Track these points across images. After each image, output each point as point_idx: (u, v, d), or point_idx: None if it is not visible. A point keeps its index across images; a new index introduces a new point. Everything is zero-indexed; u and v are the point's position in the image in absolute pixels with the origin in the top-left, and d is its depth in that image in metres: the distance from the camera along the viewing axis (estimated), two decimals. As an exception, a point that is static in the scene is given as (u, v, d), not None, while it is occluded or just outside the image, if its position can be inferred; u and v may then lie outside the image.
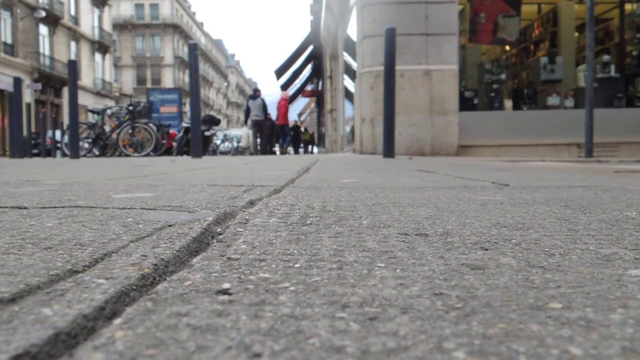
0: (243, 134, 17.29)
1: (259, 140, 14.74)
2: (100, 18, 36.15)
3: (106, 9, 37.18)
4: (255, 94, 14.74)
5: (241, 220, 1.10)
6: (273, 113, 15.90)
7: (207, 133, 12.32)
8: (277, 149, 16.86)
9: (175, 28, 51.62)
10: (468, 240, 0.88)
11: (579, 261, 0.72)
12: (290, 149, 17.69)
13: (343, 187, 1.92)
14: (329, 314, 0.49)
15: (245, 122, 15.64)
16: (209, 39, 69.15)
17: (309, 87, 29.55)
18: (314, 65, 25.52)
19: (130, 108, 10.11)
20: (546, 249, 0.80)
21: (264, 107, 14.56)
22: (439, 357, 0.39)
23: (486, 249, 0.80)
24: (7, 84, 18.15)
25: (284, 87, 27.39)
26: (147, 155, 9.61)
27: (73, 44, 32.23)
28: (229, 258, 0.74)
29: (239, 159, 6.51)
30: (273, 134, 15.54)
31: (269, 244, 0.84)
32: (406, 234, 0.93)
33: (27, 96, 20.69)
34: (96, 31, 35.31)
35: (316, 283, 0.60)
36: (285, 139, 16.07)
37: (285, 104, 16.20)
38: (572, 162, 5.47)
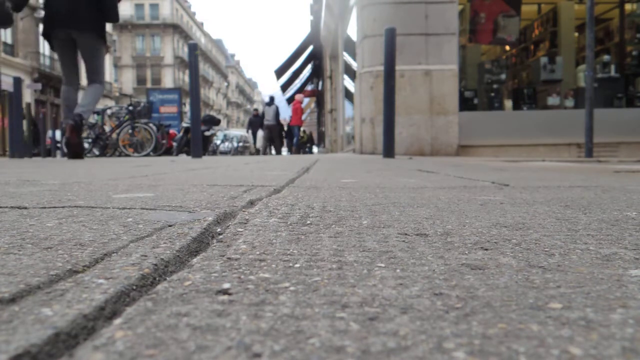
0: (258, 136, 18.50)
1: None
2: (100, 18, 36.08)
3: (106, 9, 37.11)
4: (271, 101, 16.40)
5: (241, 220, 1.10)
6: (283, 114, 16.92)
7: (207, 133, 12.34)
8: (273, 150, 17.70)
9: (175, 28, 51.61)
10: (468, 240, 0.88)
11: (579, 261, 0.72)
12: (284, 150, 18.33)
13: (343, 187, 1.92)
14: (329, 314, 0.49)
15: (261, 126, 17.07)
16: (209, 39, 69.16)
17: (309, 87, 29.59)
18: (314, 65, 25.52)
19: (130, 108, 10.10)
20: (546, 249, 0.80)
21: (277, 113, 16.23)
22: (439, 357, 0.39)
23: (486, 249, 0.80)
24: (7, 84, 18.14)
25: (284, 87, 27.42)
26: (147, 155, 9.61)
27: (73, 44, 32.20)
28: (229, 258, 0.74)
29: (239, 159, 6.51)
30: (281, 137, 16.99)
31: (269, 244, 0.84)
32: (406, 234, 0.93)
33: (27, 96, 20.70)
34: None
35: (316, 283, 0.60)
36: (295, 140, 17.43)
37: (300, 106, 17.34)
38: (572, 162, 5.47)
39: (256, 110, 18.90)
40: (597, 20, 8.45)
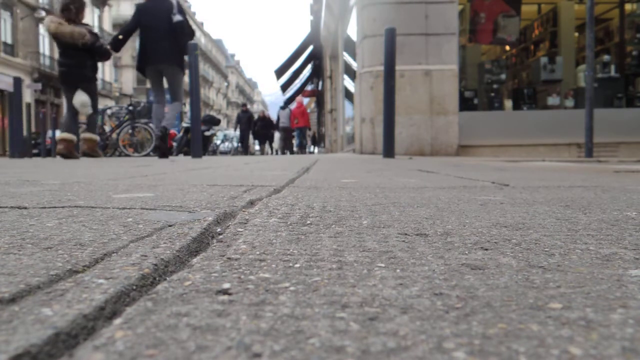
0: (277, 137, 20.42)
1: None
2: (100, 18, 36.14)
3: (106, 8, 37.18)
4: (285, 105, 18.85)
5: (241, 220, 1.10)
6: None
7: (207, 133, 12.36)
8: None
9: (175, 28, 51.46)
10: (468, 240, 0.88)
11: (579, 261, 0.72)
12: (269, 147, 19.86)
13: (343, 187, 1.92)
14: (329, 314, 0.49)
15: (277, 127, 19.13)
16: (209, 39, 69.09)
17: (309, 87, 29.61)
18: (314, 65, 25.52)
19: (130, 108, 10.11)
20: (546, 249, 0.80)
21: (290, 116, 18.36)
22: (439, 357, 0.39)
23: (486, 249, 0.80)
24: (7, 84, 18.16)
25: (284, 87, 27.47)
26: (147, 155, 9.61)
27: (73, 44, 32.19)
28: (229, 258, 0.74)
29: (239, 159, 6.51)
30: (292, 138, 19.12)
31: (269, 244, 0.84)
32: (406, 234, 0.93)
33: (27, 96, 20.70)
34: (96, 31, 35.27)
35: (316, 283, 0.60)
36: (302, 141, 19.10)
37: (305, 108, 19.59)
38: (572, 162, 5.47)
39: (245, 105, 18.86)
40: (597, 20, 8.45)
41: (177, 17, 6.10)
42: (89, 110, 6.10)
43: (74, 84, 6.11)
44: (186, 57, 6.43)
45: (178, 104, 6.65)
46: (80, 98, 5.96)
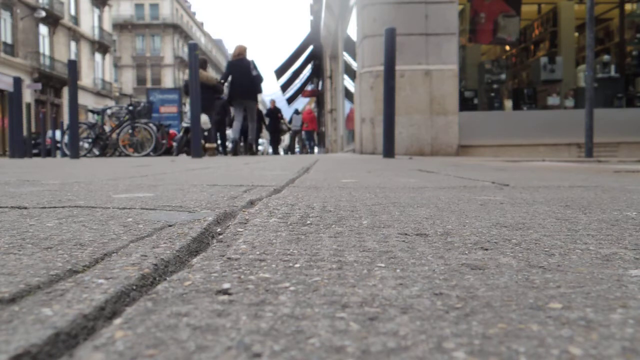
0: (286, 136, 22.76)
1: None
2: (100, 18, 36.16)
3: (106, 9, 37.18)
4: (297, 111, 21.17)
5: (241, 220, 1.10)
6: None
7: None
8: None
9: (175, 28, 51.57)
10: (468, 240, 0.88)
11: (579, 261, 0.72)
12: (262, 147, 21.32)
13: (343, 187, 1.92)
14: (329, 314, 0.49)
15: (289, 130, 21.67)
16: (209, 39, 69.10)
17: (309, 87, 29.63)
18: (314, 65, 25.52)
19: (130, 108, 10.10)
20: (546, 249, 0.80)
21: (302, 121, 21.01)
22: (439, 357, 0.39)
23: (486, 249, 0.80)
24: (7, 84, 18.16)
25: (284, 87, 27.54)
26: (147, 155, 9.61)
27: (73, 44, 32.23)
28: (229, 258, 0.74)
29: (239, 159, 6.51)
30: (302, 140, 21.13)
31: (269, 244, 0.84)
32: (406, 234, 0.93)
33: (27, 96, 20.69)
34: (96, 31, 35.31)
35: (316, 283, 0.60)
36: (310, 143, 20.72)
37: (314, 114, 21.41)
38: (572, 162, 5.47)
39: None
40: (597, 20, 8.45)
41: (255, 72, 9.26)
42: (209, 125, 9.17)
43: (206, 108, 8.95)
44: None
45: (254, 124, 9.73)
46: (202, 119, 8.65)
